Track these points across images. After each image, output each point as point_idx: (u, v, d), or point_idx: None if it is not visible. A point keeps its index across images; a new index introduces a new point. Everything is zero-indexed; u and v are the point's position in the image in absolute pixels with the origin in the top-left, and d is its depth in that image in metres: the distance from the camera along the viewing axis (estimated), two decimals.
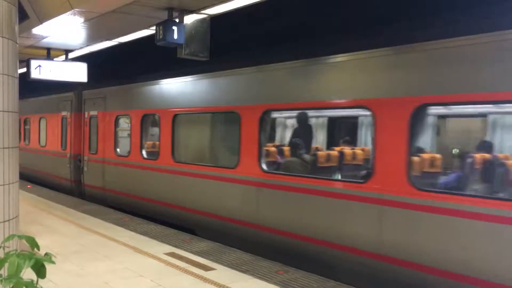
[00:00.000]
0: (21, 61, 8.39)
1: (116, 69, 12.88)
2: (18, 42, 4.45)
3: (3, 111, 4.06)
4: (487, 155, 6.16)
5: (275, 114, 8.54)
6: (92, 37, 9.02)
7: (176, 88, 9.13)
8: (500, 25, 4.76)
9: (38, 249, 2.08)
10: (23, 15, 7.51)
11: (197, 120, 9.09)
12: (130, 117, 10.35)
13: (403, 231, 5.33)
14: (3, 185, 4.06)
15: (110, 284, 5.28)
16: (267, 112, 7.11)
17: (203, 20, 6.97)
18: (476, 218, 4.73)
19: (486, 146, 6.47)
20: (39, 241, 2.20)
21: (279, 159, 8.26)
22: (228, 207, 7.65)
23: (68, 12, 6.98)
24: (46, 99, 15.11)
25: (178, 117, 8.88)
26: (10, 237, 2.14)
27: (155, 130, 9.98)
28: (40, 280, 1.97)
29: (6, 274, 1.90)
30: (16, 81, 4.35)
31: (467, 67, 4.96)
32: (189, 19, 6.90)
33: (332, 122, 9.93)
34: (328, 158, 7.63)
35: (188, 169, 8.51)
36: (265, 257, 6.41)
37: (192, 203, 8.42)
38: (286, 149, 8.42)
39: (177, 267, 5.90)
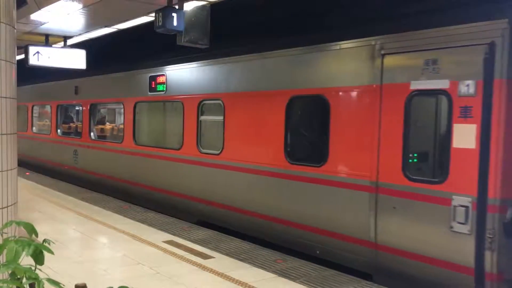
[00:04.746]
0: (19, 48, 8.35)
1: None
2: (16, 27, 4.40)
3: (1, 97, 4.02)
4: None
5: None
6: (91, 24, 8.94)
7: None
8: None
9: (37, 235, 2.06)
10: (21, 1, 7.42)
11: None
12: None
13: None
14: (2, 171, 4.04)
15: (109, 271, 5.29)
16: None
17: (203, 7, 6.90)
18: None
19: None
20: (38, 228, 2.18)
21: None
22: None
23: None
24: None
25: None
26: (9, 223, 2.12)
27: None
28: (38, 266, 1.96)
29: (4, 261, 1.88)
30: (14, 67, 4.31)
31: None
32: (189, 6, 6.83)
33: None
34: None
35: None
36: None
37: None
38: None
39: (175, 255, 5.91)
